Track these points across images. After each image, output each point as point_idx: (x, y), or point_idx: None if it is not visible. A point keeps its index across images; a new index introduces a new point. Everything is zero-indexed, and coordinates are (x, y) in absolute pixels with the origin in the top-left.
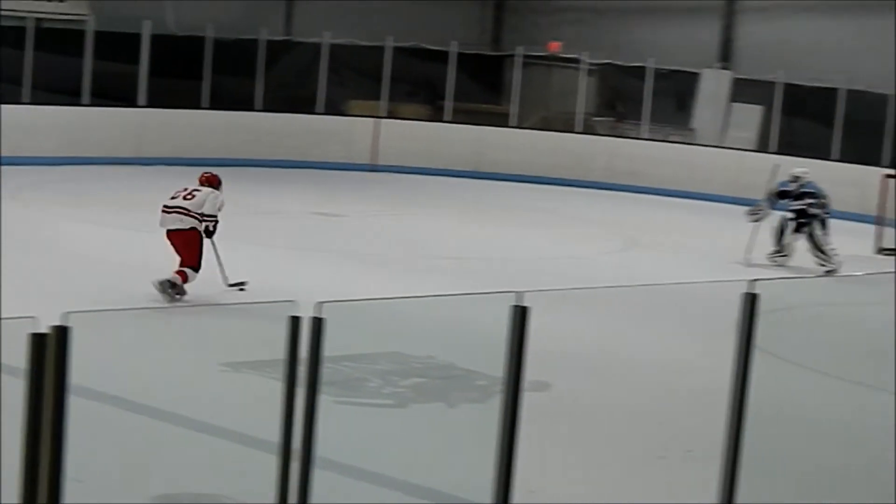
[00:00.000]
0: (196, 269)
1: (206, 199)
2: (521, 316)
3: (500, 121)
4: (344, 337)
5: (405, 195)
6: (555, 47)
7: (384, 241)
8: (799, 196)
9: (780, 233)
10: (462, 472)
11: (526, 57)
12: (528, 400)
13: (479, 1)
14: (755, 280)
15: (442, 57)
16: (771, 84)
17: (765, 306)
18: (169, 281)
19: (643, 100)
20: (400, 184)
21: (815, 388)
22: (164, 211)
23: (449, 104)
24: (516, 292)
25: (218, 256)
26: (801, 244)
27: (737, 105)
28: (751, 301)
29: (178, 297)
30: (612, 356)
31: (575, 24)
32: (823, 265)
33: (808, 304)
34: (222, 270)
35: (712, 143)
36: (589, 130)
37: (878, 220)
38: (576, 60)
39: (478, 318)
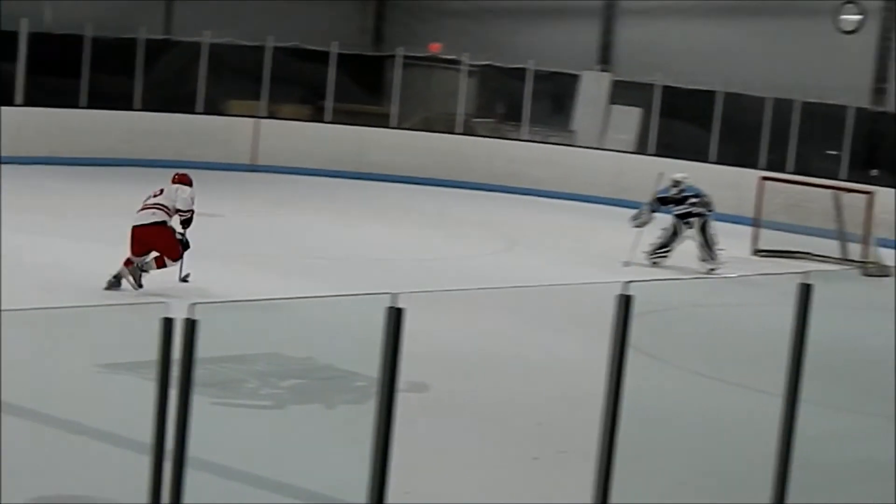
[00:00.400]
0: (180, 257)
1: (175, 194)
2: (395, 317)
3: (381, 121)
4: (223, 338)
5: (285, 195)
6: (435, 48)
7: (264, 242)
8: (681, 200)
9: (673, 234)
10: (340, 473)
11: (406, 58)
12: (406, 401)
13: (360, 1)
14: (630, 282)
15: (322, 57)
16: (650, 86)
17: (643, 307)
18: (128, 274)
19: (523, 101)
20: (280, 184)
21: (692, 389)
22: (138, 210)
23: (329, 104)
24: (391, 293)
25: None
26: (683, 245)
27: (616, 107)
28: (625, 302)
29: (134, 279)
30: (491, 357)
31: (456, 26)
32: (705, 261)
33: (687, 305)
34: (181, 265)
35: (592, 145)
36: (469, 132)
37: (755, 222)
38: (456, 62)
39: (357, 319)
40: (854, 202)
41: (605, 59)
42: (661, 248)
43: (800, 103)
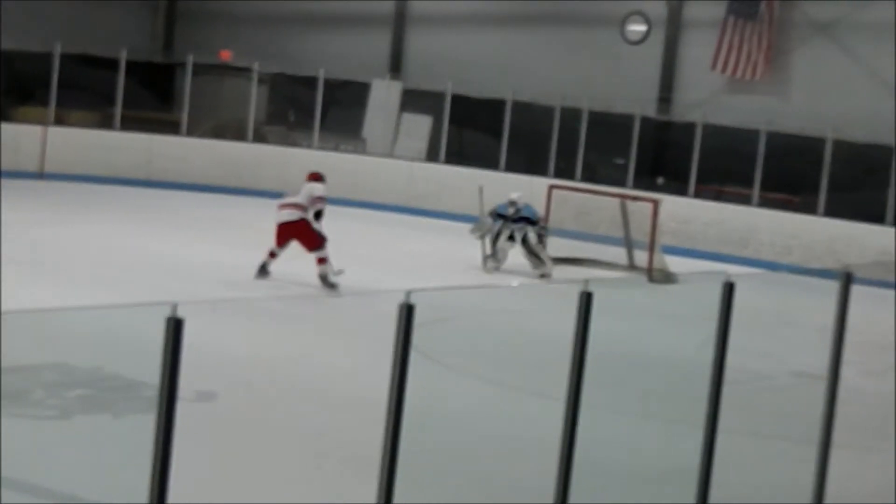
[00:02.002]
0: (321, 246)
1: (310, 190)
2: (175, 327)
3: (171, 129)
4: (8, 348)
5: (73, 204)
6: (226, 56)
7: (51, 251)
8: (516, 220)
9: (495, 239)
10: (125, 482)
11: (196, 65)
12: (193, 410)
13: (150, 8)
14: (412, 290)
15: (111, 64)
16: (440, 95)
17: (433, 314)
18: (321, 277)
19: (314, 109)
20: (68, 192)
21: (479, 395)
22: (278, 207)
23: (118, 112)
24: (171, 303)
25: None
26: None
27: (406, 115)
28: (407, 311)
29: (335, 279)
30: (279, 366)
31: (247, 33)
32: (536, 268)
33: (475, 312)
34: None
35: (382, 153)
36: (260, 140)
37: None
38: (247, 69)
39: (145, 328)
40: (640, 210)
41: (395, 67)
42: (491, 253)
43: (587, 112)
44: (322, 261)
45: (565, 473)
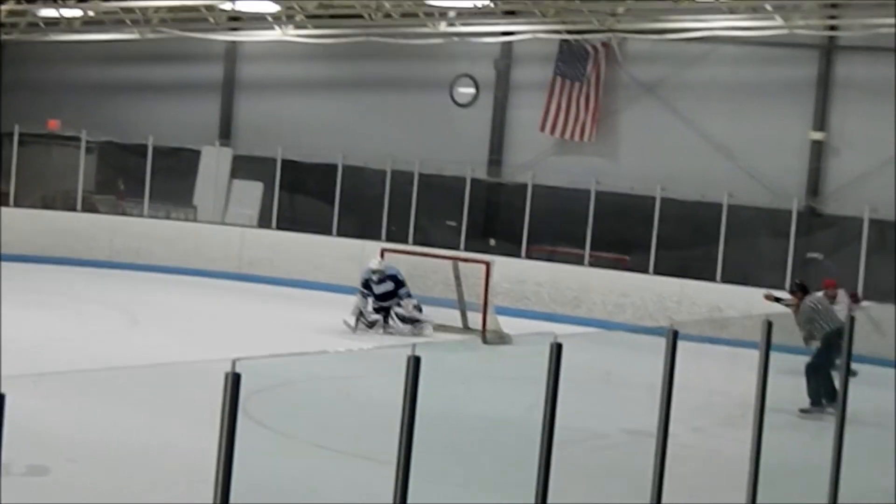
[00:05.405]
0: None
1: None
2: None
3: None
4: None
5: None
6: (54, 125)
7: None
8: (382, 280)
9: (360, 311)
10: None
11: (24, 135)
12: (25, 484)
13: None
14: (237, 359)
15: None
16: (270, 160)
17: (265, 382)
18: None
19: (145, 178)
20: None
21: (311, 461)
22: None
23: None
24: None
25: None
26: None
27: (237, 182)
28: (234, 379)
29: None
30: (106, 440)
31: (75, 102)
32: (416, 332)
33: (306, 378)
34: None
35: (214, 220)
36: (90, 209)
37: None
38: (75, 138)
39: None
40: (473, 272)
41: (225, 133)
42: (362, 321)
43: (419, 175)
44: None
45: None
